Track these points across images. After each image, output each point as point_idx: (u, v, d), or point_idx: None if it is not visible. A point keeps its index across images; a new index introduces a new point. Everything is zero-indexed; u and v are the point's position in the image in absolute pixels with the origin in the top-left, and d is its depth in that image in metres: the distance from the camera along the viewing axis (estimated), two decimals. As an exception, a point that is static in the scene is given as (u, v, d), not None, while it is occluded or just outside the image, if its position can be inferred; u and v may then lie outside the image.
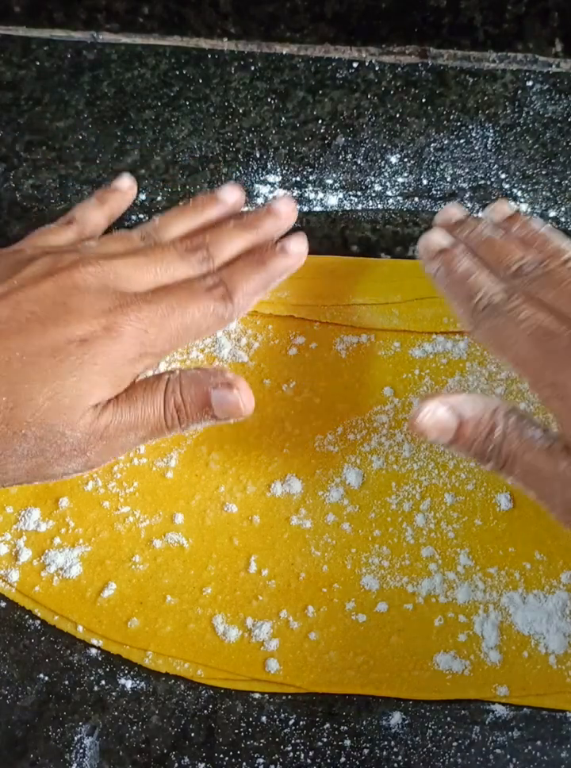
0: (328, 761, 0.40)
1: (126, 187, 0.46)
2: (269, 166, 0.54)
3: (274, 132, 0.55)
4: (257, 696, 0.42)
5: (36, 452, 0.35)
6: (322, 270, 0.48)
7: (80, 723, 0.41)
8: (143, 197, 0.54)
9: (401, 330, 0.48)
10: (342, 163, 0.54)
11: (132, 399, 0.37)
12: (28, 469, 0.36)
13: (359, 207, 0.53)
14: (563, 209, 0.52)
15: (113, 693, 0.42)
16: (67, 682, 0.42)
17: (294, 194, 0.53)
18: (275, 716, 0.41)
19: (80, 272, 0.37)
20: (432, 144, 0.55)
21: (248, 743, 0.41)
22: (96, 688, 0.42)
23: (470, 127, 0.55)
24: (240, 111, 0.56)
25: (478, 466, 0.45)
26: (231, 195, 0.44)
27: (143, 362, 0.38)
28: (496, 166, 0.54)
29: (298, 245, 0.42)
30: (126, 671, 0.42)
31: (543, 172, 0.53)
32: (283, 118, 0.56)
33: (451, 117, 0.55)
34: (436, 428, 0.36)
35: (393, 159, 0.54)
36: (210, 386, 0.38)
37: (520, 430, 0.35)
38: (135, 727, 0.41)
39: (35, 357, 0.35)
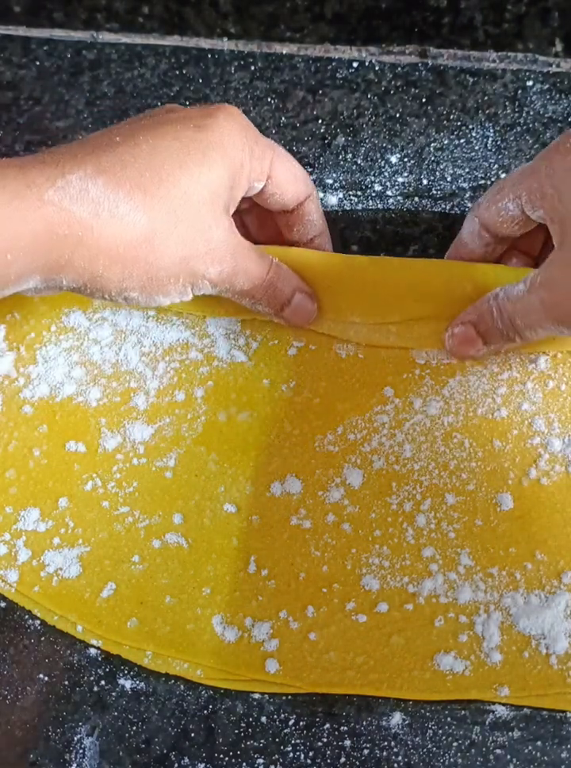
0: (328, 761, 0.40)
1: None
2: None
3: (273, 132, 0.55)
4: (257, 696, 0.42)
5: (188, 241, 0.39)
6: (318, 285, 0.47)
7: (80, 723, 0.41)
8: (143, 197, 0.54)
9: (398, 347, 0.48)
10: (342, 163, 0.54)
11: (247, 246, 0.42)
12: (181, 256, 0.39)
13: (359, 207, 0.53)
14: (563, 208, 0.52)
15: (113, 693, 0.42)
16: (66, 682, 0.42)
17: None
18: (275, 716, 0.41)
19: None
20: (432, 144, 0.54)
21: (248, 743, 0.41)
22: (96, 688, 0.42)
23: (470, 127, 0.55)
24: (240, 111, 0.56)
25: (479, 466, 0.45)
26: None
27: (250, 160, 0.41)
28: (496, 166, 0.54)
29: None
30: (126, 671, 0.42)
31: (543, 172, 0.53)
32: (283, 118, 0.56)
33: (451, 117, 0.55)
34: (465, 343, 0.44)
35: (393, 159, 0.54)
36: (297, 289, 0.45)
37: (507, 296, 0.42)
38: (135, 727, 0.41)
39: (161, 141, 0.39)
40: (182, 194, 0.38)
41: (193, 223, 0.39)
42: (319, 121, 0.56)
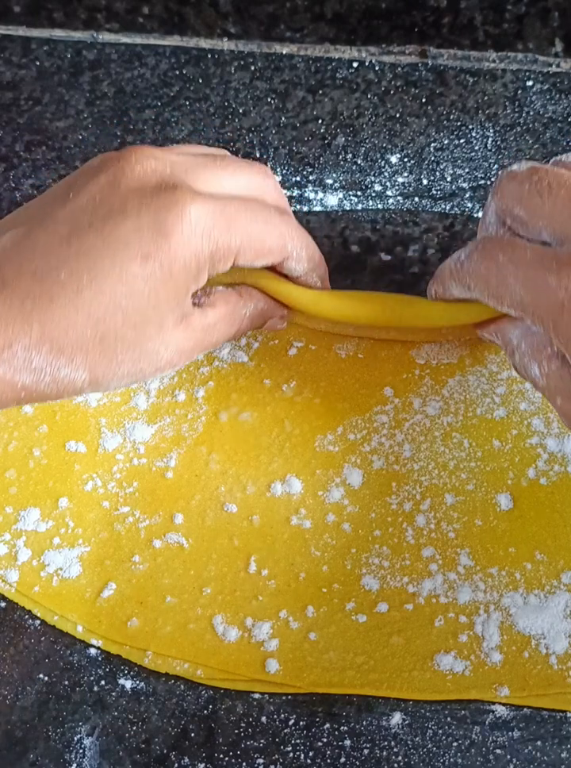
0: (328, 761, 0.40)
1: None
2: (269, 166, 0.54)
3: (273, 132, 0.55)
4: (257, 696, 0.42)
5: (134, 373, 0.38)
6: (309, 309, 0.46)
7: (80, 723, 0.41)
8: (143, 197, 0.54)
9: (398, 340, 0.48)
10: (342, 163, 0.54)
11: (207, 330, 0.40)
12: (127, 383, 0.38)
13: (359, 207, 0.53)
14: (563, 209, 0.52)
15: (113, 693, 0.42)
16: (67, 682, 0.42)
17: (294, 194, 0.53)
18: (275, 716, 0.41)
19: (135, 163, 0.38)
20: (432, 144, 0.54)
21: (248, 743, 0.41)
22: (96, 688, 0.42)
23: (470, 127, 0.55)
24: (240, 111, 0.56)
25: (478, 466, 0.45)
26: None
27: (206, 246, 0.37)
28: (496, 166, 0.54)
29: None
30: (126, 671, 0.42)
31: (543, 172, 0.53)
32: (283, 118, 0.56)
33: (451, 117, 0.55)
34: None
35: (393, 159, 0.54)
36: (269, 318, 0.44)
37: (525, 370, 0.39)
38: (135, 727, 0.41)
39: (104, 283, 0.35)
40: (125, 343, 0.36)
41: (138, 359, 0.37)
42: (319, 121, 0.56)
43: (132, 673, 0.42)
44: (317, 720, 0.41)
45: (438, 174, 0.54)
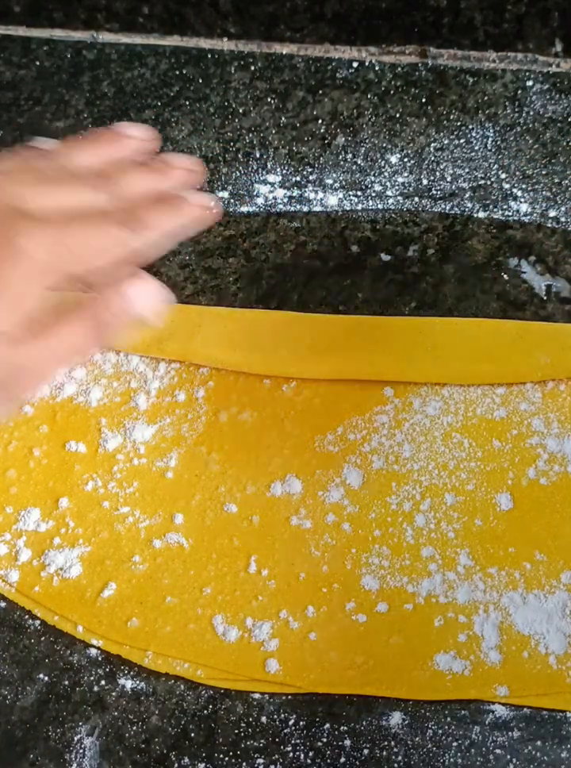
0: (328, 761, 0.40)
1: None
2: (269, 166, 0.54)
3: (274, 132, 0.55)
4: (257, 696, 0.42)
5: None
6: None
7: (80, 723, 0.41)
8: (143, 197, 0.54)
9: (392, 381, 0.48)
10: (342, 163, 0.54)
11: (47, 328, 0.33)
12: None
13: (359, 207, 0.53)
14: (563, 209, 0.52)
15: (113, 693, 0.42)
16: (67, 682, 0.42)
17: (294, 194, 0.53)
18: (275, 716, 0.41)
19: None
20: (432, 144, 0.55)
21: (248, 743, 0.41)
22: (96, 688, 0.42)
23: (470, 127, 0.55)
24: (240, 111, 0.56)
25: (478, 466, 0.45)
26: (137, 131, 0.40)
27: (46, 281, 0.33)
28: (496, 166, 0.54)
29: (210, 200, 0.38)
30: (126, 671, 0.42)
31: (543, 172, 0.53)
32: (283, 118, 0.56)
33: (451, 117, 0.55)
34: None
35: (393, 159, 0.54)
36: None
37: None
38: (135, 727, 0.41)
39: None
40: None
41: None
42: (319, 121, 0.56)
43: (132, 673, 0.42)
44: (317, 720, 0.41)
45: (438, 174, 0.54)
